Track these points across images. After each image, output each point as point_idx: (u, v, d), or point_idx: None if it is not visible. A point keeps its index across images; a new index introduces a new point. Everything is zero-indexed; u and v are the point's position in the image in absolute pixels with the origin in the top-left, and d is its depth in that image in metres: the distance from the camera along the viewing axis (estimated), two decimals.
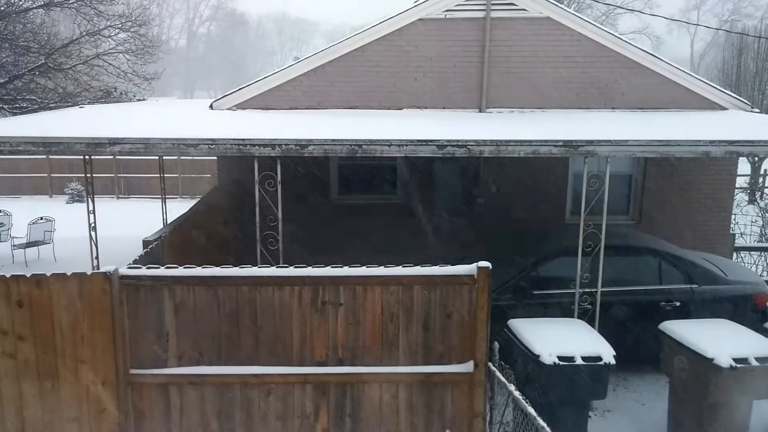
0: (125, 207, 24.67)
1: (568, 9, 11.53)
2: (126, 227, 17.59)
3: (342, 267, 6.07)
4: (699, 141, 7.97)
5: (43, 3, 21.39)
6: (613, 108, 11.40)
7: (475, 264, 6.01)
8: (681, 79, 11.36)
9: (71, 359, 6.00)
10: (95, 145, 7.81)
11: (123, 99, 22.40)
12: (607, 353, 6.65)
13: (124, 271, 6.00)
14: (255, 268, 6.13)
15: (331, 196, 12.36)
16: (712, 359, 6.53)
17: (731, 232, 12.90)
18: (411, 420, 6.24)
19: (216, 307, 6.03)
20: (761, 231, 16.76)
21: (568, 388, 6.61)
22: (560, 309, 8.52)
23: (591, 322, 7.96)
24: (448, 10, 11.05)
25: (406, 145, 7.88)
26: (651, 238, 9.72)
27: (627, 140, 7.92)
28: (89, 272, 5.93)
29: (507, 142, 7.89)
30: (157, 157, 20.01)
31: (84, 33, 22.22)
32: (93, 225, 8.97)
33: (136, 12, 23.68)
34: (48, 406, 6.07)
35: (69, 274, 5.90)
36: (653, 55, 11.42)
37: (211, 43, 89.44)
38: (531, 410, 5.26)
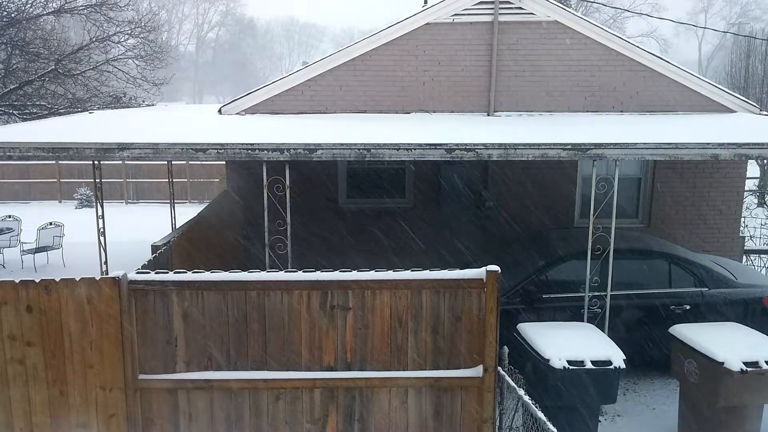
0: (134, 212, 24.75)
1: (575, 13, 11.51)
2: (135, 232, 17.67)
3: (350, 271, 6.06)
4: (708, 144, 7.93)
5: (53, 9, 21.51)
6: (621, 111, 11.37)
7: (484, 268, 6.00)
8: (689, 81, 11.32)
9: (80, 365, 6.01)
10: (104, 150, 7.84)
11: (132, 104, 22.46)
12: (617, 357, 6.62)
13: (132, 276, 6.01)
14: (263, 273, 6.12)
15: (339, 200, 12.36)
16: (722, 363, 6.49)
17: (741, 235, 12.83)
18: (420, 424, 6.22)
19: (224, 311, 6.03)
20: None
21: (578, 393, 6.58)
22: (570, 313, 8.50)
23: (601, 326, 7.93)
24: (455, 15, 11.04)
25: (415, 149, 7.87)
26: (660, 242, 9.67)
27: (636, 143, 7.89)
28: (98, 277, 5.94)
29: (515, 146, 7.88)
30: (165, 162, 20.11)
31: (94, 39, 22.31)
32: (102, 230, 8.98)
33: (146, 18, 23.78)
34: (56, 412, 6.08)
35: (78, 279, 5.91)
36: (661, 58, 11.38)
37: (220, 48, 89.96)
38: (541, 415, 5.24)
